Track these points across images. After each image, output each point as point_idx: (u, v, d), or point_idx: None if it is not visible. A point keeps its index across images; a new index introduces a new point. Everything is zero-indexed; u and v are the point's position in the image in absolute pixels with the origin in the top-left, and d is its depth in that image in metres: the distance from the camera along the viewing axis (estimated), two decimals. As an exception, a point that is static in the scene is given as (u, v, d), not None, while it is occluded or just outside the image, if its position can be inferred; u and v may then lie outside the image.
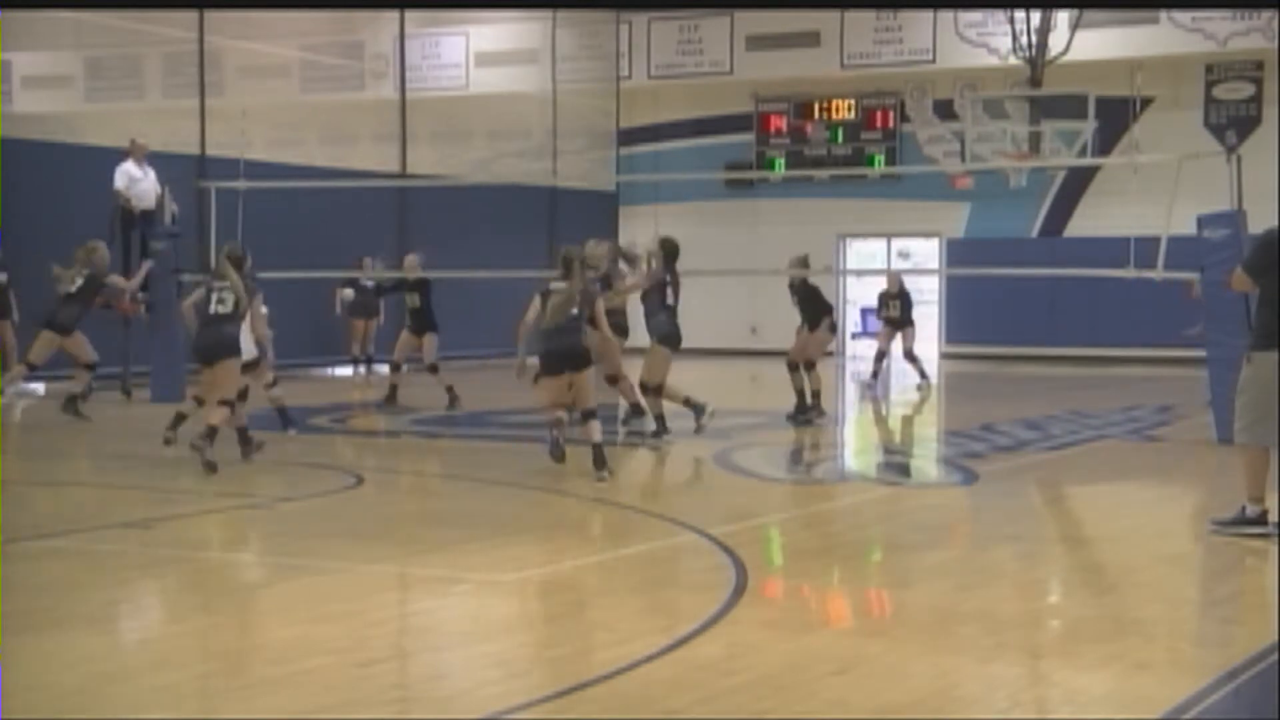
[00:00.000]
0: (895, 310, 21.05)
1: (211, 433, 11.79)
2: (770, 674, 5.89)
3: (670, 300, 14.01)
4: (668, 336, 13.86)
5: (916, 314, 21.76)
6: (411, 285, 17.99)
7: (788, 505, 11.04)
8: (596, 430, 11.67)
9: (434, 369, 17.76)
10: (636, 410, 14.35)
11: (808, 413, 15.78)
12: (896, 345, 21.35)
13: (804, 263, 17.06)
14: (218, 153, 21.49)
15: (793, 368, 16.00)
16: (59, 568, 8.01)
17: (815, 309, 16.60)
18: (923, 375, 20.46)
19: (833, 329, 17.08)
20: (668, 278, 13.97)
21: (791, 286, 16.76)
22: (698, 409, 14.01)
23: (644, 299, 14.11)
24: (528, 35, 29.58)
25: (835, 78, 28.75)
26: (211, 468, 11.55)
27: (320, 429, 16.00)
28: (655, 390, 13.90)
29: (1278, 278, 8.84)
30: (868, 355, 23.62)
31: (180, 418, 12.75)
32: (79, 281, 16.05)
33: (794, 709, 5.45)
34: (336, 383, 22.66)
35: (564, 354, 11.70)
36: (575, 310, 11.76)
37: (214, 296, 12.28)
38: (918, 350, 21.15)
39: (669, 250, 14.06)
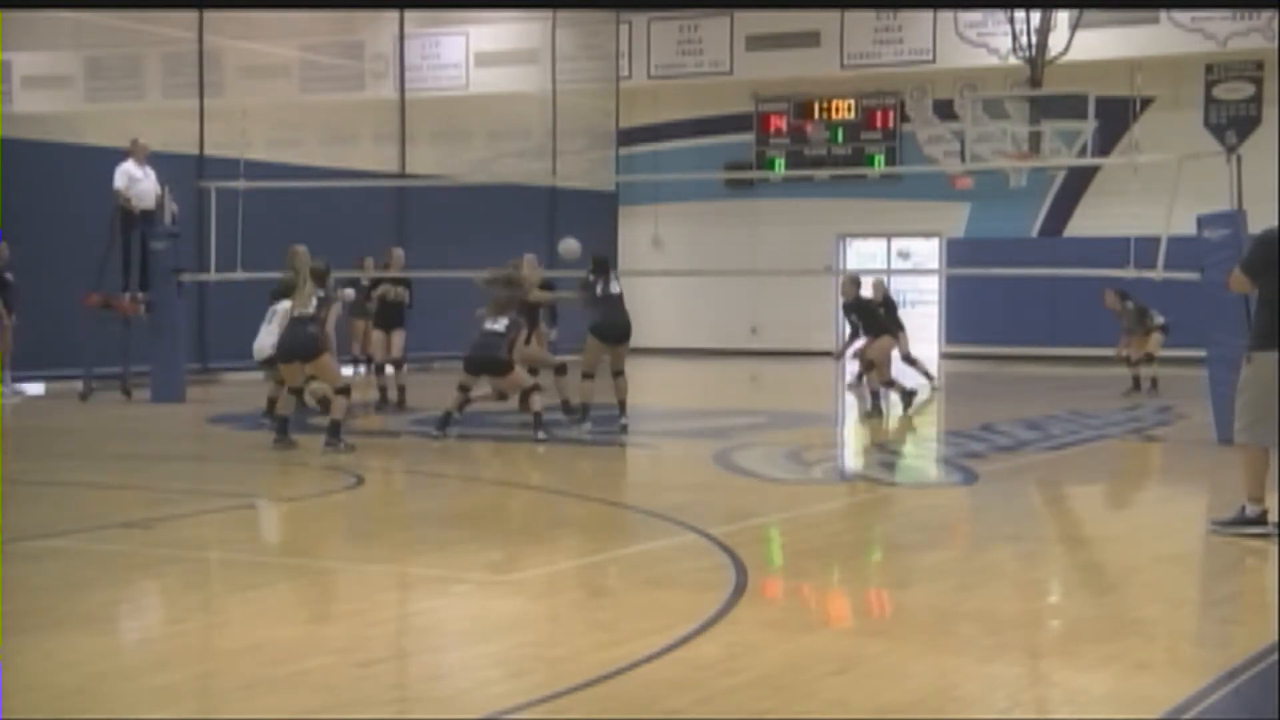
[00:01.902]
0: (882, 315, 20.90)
1: (336, 426, 13.06)
2: (770, 674, 5.89)
3: (601, 292, 14.99)
4: (596, 327, 15.04)
5: (916, 314, 21.70)
6: (396, 279, 18.17)
7: (788, 505, 11.03)
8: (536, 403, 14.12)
9: (399, 365, 17.99)
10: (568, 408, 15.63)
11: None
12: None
13: (855, 282, 17.99)
14: (217, 153, 21.49)
15: (867, 368, 17.20)
16: (59, 568, 8.01)
17: (876, 325, 17.60)
18: (927, 375, 20.41)
19: (894, 336, 18.03)
20: (590, 277, 15.09)
21: (847, 308, 17.82)
22: (577, 411, 15.10)
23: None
24: (528, 35, 29.58)
25: (835, 78, 28.76)
26: (350, 448, 12.94)
27: (320, 429, 15.97)
28: (585, 376, 15.10)
29: (1277, 278, 8.84)
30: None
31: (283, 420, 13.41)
32: None
33: (794, 709, 5.45)
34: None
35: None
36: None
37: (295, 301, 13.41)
38: (914, 351, 21.03)
39: (598, 263, 15.32)
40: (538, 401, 14.21)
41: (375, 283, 18.69)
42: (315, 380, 14.37)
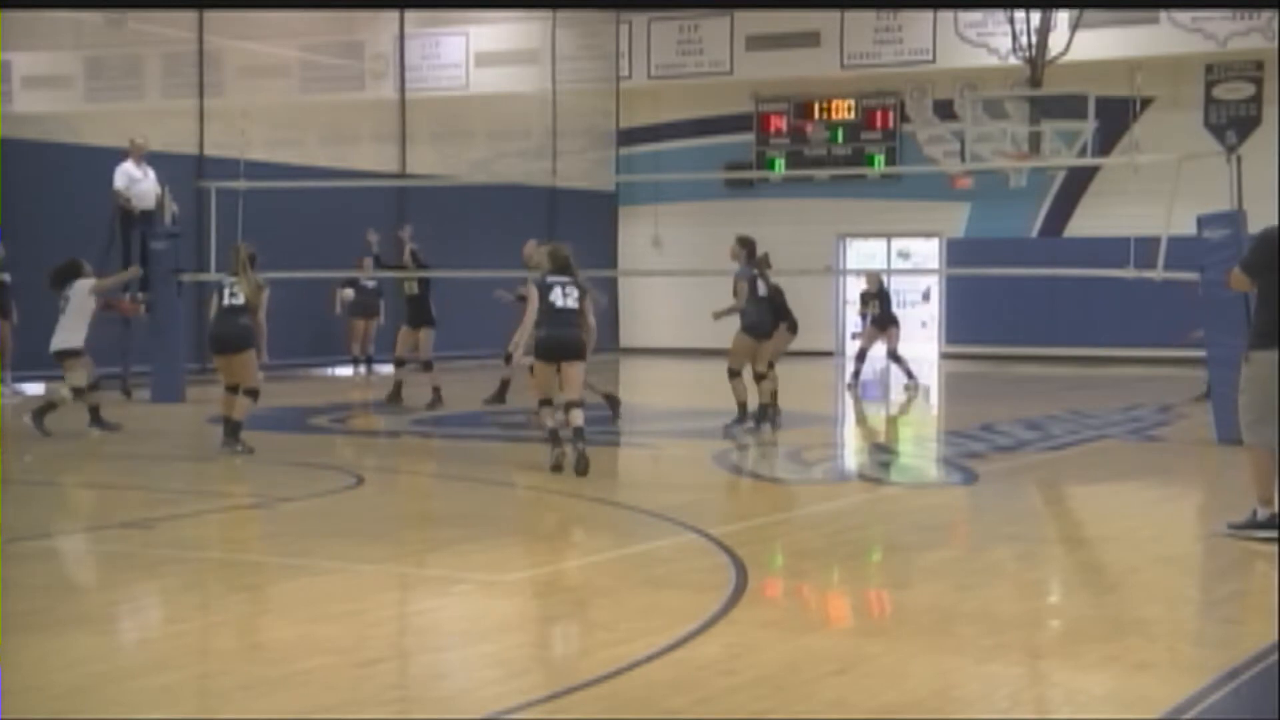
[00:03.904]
0: (875, 309, 20.88)
1: (236, 428, 12.70)
2: (770, 674, 5.89)
3: (762, 293, 14.91)
4: (752, 326, 14.86)
5: (917, 314, 21.68)
6: (407, 268, 17.96)
7: (788, 505, 11.04)
8: (578, 417, 11.86)
9: (428, 366, 17.77)
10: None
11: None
12: (881, 347, 21.15)
13: (766, 262, 16.03)
14: (217, 153, 21.49)
15: (733, 374, 15.09)
16: (59, 568, 8.01)
17: (778, 312, 15.84)
18: (909, 375, 20.38)
19: (793, 330, 16.22)
20: (755, 272, 14.88)
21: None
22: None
23: (737, 293, 15.12)
24: (528, 35, 29.58)
25: (835, 78, 28.75)
26: (248, 451, 12.58)
27: (320, 429, 16.00)
28: (733, 375, 14.86)
29: (1276, 277, 8.83)
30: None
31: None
32: None
33: (794, 709, 5.45)
34: (336, 383, 22.65)
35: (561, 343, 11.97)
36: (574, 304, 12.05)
37: (227, 290, 13.05)
38: (904, 350, 20.97)
39: (749, 247, 15.05)
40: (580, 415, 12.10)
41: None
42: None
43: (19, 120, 23.96)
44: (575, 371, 11.98)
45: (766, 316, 14.99)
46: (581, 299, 12.07)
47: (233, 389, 13.04)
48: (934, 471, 13.11)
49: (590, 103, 29.77)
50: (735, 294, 15.11)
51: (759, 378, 15.00)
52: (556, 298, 11.96)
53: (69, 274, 14.67)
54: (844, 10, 27.85)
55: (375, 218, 23.76)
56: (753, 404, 14.90)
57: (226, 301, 13.01)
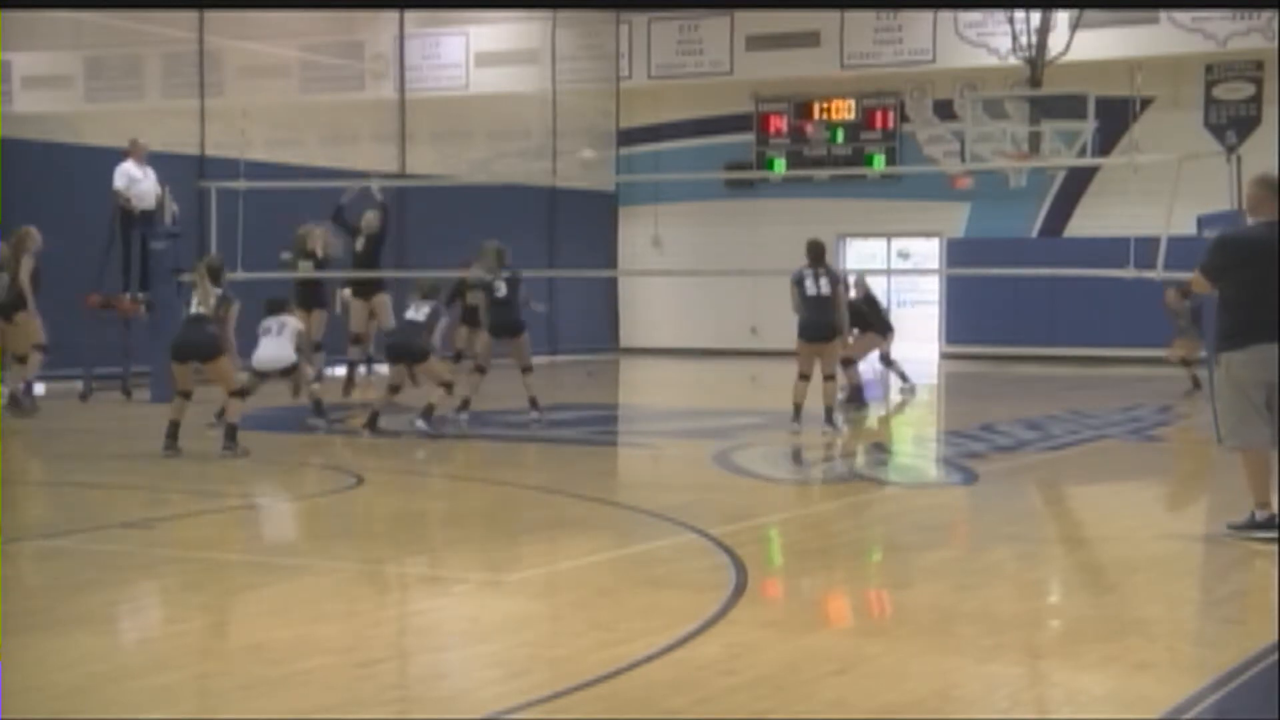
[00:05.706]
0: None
1: (232, 430, 12.60)
2: (770, 674, 5.89)
3: (810, 293, 14.86)
4: (800, 329, 14.93)
5: (916, 314, 21.60)
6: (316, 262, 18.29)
7: (788, 505, 11.04)
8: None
9: (316, 346, 18.09)
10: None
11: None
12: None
13: (860, 282, 18.45)
14: (218, 153, 21.48)
15: (845, 363, 16.76)
16: (59, 568, 8.01)
17: (873, 319, 18.20)
18: (903, 378, 20.29)
19: (880, 333, 18.66)
20: (803, 273, 14.89)
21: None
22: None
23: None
24: (528, 35, 29.58)
25: (835, 78, 28.75)
26: (245, 453, 12.49)
27: (320, 429, 15.98)
28: (800, 377, 14.98)
29: (1236, 278, 8.82)
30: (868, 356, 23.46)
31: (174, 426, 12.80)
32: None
33: (794, 709, 5.45)
34: (336, 383, 22.63)
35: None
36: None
37: (193, 299, 12.92)
38: (899, 353, 20.63)
39: (812, 252, 15.02)
40: (440, 396, 14.54)
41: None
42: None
43: (19, 120, 23.96)
44: (422, 370, 14.59)
45: (817, 318, 14.80)
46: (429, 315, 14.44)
47: (185, 394, 12.80)
48: (934, 471, 13.11)
49: (590, 103, 29.77)
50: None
51: (826, 379, 15.08)
52: (409, 312, 14.63)
53: (282, 308, 15.26)
54: (844, 10, 27.85)
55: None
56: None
57: (193, 310, 12.79)
